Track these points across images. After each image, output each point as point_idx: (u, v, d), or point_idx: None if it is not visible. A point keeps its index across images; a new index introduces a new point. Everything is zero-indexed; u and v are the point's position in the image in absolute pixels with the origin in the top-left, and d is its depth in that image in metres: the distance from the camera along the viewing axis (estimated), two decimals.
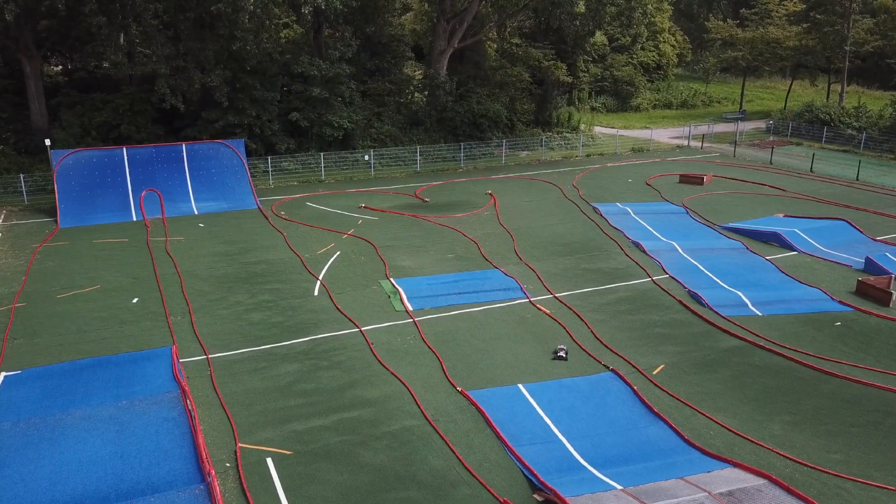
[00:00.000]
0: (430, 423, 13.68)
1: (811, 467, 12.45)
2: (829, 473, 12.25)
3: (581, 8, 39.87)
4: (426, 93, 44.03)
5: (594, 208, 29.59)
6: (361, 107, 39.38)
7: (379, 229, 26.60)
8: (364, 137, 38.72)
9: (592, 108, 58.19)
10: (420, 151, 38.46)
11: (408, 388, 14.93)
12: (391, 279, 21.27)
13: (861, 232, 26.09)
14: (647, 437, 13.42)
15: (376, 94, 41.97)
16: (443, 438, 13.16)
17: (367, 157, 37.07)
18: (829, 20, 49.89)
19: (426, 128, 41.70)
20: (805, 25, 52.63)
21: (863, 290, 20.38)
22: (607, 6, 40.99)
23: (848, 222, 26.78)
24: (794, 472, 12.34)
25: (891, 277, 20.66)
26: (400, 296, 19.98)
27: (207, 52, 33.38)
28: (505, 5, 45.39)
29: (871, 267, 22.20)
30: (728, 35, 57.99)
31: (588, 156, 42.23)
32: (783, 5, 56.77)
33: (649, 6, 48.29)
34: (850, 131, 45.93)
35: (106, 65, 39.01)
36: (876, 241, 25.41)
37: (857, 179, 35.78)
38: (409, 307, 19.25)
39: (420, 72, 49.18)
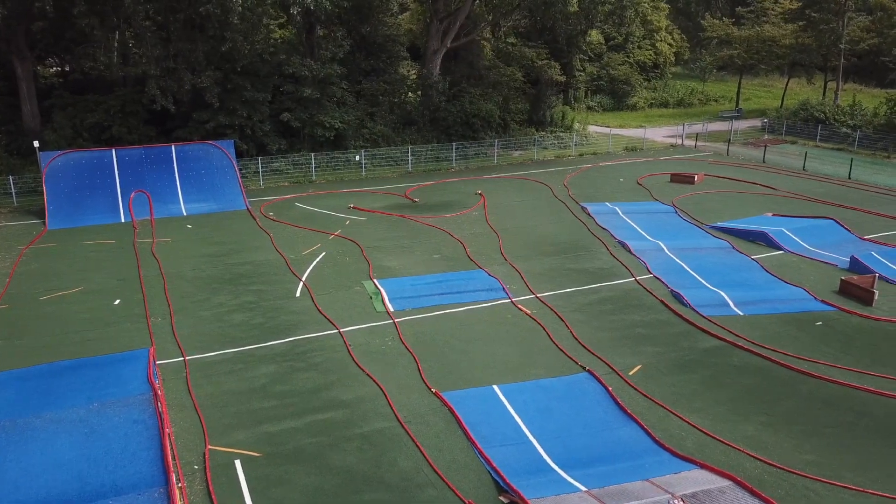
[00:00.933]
0: (401, 424, 13.67)
1: (780, 468, 12.41)
2: (798, 474, 12.21)
3: (574, 7, 39.82)
4: (419, 92, 44.03)
5: (583, 208, 29.54)
6: (354, 107, 39.39)
7: (366, 230, 26.61)
8: (356, 138, 38.72)
9: (589, 108, 58.12)
10: (412, 151, 38.45)
11: (382, 390, 14.92)
12: (374, 280, 21.27)
13: (849, 231, 26.00)
14: (618, 438, 13.39)
15: (371, 95, 41.98)
16: (413, 440, 13.15)
17: (357, 158, 37.07)
18: (824, 18, 49.74)
19: (419, 127, 41.70)
20: (800, 23, 52.48)
21: (846, 290, 20.31)
22: (599, 5, 40.89)
23: (836, 221, 26.69)
24: (763, 473, 12.31)
25: (875, 277, 20.59)
26: (382, 297, 19.97)
27: (198, 53, 33.43)
28: (499, 5, 45.35)
29: (855, 266, 22.13)
30: (724, 33, 57.89)
31: (581, 155, 42.18)
32: (779, 3, 56.62)
33: (644, 4, 48.24)
34: (844, 129, 45.79)
35: (102, 67, 39.12)
36: (863, 239, 25.32)
37: (850, 178, 35.67)
38: (391, 308, 19.25)
39: (415, 71, 49.18)
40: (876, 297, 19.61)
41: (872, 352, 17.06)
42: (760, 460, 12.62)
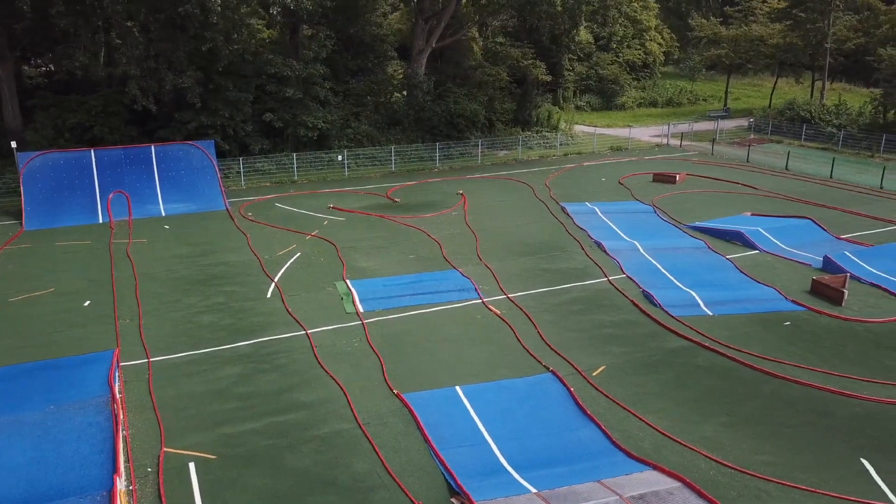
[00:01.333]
0: (360, 426, 13.64)
1: (734, 469, 12.40)
2: (751, 475, 12.21)
3: (558, 7, 39.81)
4: (405, 92, 44.00)
5: (562, 208, 29.53)
6: (338, 107, 39.35)
7: (344, 230, 26.58)
8: (340, 138, 38.67)
9: (577, 107, 58.13)
10: (396, 151, 38.43)
11: (344, 392, 14.89)
12: (347, 280, 21.24)
13: (825, 230, 26.02)
14: (577, 439, 13.38)
15: (356, 94, 41.93)
16: (370, 442, 13.12)
17: (340, 158, 37.02)
18: (811, 17, 49.79)
19: (404, 127, 41.67)
20: (787, 23, 52.53)
21: (817, 290, 20.32)
22: (584, 5, 40.86)
23: (813, 221, 26.71)
24: (717, 474, 12.29)
25: (846, 276, 20.61)
26: (353, 297, 19.94)
27: (179, 53, 33.35)
28: (486, 5, 45.33)
29: (828, 266, 22.14)
30: (712, 33, 57.94)
31: (566, 155, 42.18)
32: (766, 3, 56.68)
33: (634, 4, 48.11)
34: (829, 129, 45.84)
35: (82, 67, 38.96)
36: (840, 239, 25.34)
37: (832, 177, 35.70)
38: (361, 309, 19.22)
39: (402, 71, 49.14)
40: (846, 296, 19.62)
41: (839, 352, 17.06)
42: (715, 461, 12.62)
